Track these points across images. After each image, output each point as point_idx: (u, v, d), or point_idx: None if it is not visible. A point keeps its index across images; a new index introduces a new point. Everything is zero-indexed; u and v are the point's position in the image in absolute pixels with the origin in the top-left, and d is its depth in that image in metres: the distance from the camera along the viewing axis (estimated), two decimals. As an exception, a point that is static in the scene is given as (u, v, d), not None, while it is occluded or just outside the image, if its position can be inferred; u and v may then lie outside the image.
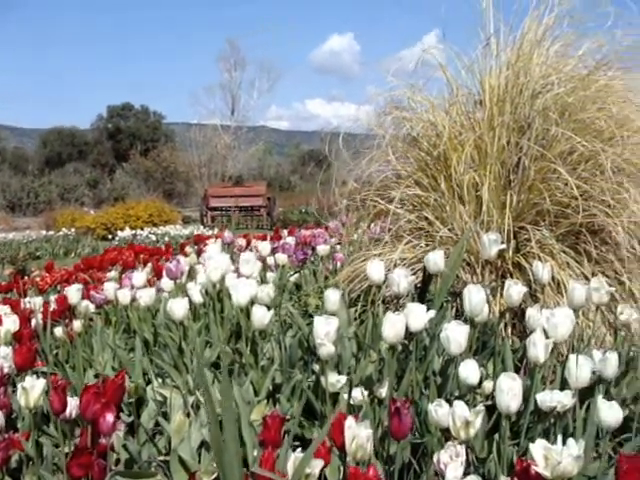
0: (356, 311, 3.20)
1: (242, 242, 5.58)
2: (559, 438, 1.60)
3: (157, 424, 2.51)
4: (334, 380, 2.38)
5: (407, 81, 3.77)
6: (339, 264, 4.46)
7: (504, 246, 2.77)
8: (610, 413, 1.95)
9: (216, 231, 14.10)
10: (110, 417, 1.96)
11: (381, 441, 2.09)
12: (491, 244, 2.67)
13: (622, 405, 2.36)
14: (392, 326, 2.20)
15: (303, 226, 9.59)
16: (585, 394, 2.19)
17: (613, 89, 3.38)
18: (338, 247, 4.87)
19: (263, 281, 3.85)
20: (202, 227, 20.39)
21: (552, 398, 2.05)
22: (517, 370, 2.45)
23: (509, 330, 3.03)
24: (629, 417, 2.28)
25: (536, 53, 3.54)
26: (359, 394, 2.25)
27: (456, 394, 2.33)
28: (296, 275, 4.56)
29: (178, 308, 2.91)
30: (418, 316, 2.30)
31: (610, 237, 3.07)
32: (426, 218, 3.46)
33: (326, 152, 3.95)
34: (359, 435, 1.72)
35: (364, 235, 3.92)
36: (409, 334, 2.28)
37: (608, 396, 2.25)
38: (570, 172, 3.10)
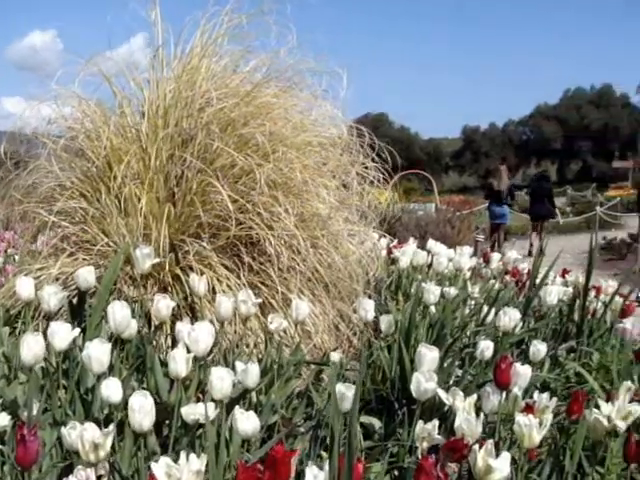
0: (15, 328, 3.01)
1: None
2: (183, 454, 1.61)
3: None
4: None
5: (88, 88, 3.64)
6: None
7: (158, 260, 2.77)
8: (248, 423, 2.01)
9: None
10: None
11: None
12: (144, 258, 2.65)
13: (272, 411, 2.47)
14: (30, 348, 2.09)
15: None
16: (231, 404, 2.24)
17: (274, 106, 3.53)
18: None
19: None
20: None
21: (195, 411, 2.07)
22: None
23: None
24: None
25: (204, 67, 3.58)
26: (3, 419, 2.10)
27: (106, 412, 2.27)
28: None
29: None
30: (62, 336, 2.21)
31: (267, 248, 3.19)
32: (92, 231, 3.36)
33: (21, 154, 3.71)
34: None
35: (26, 248, 3.71)
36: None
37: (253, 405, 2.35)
38: (231, 186, 3.18)
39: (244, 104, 3.43)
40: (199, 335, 2.18)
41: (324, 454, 2.31)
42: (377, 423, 2.61)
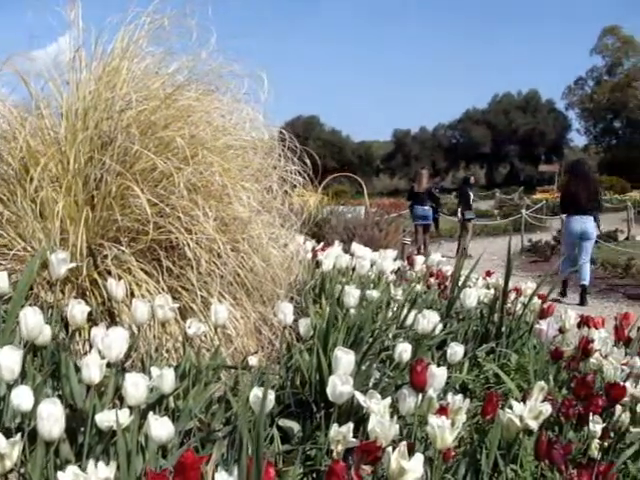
0: None
1: None
2: (92, 461, 1.59)
3: None
4: None
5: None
6: None
7: (75, 265, 2.72)
8: (162, 429, 1.99)
9: None
10: None
11: None
12: (59, 263, 2.60)
13: (190, 417, 2.46)
14: None
15: None
16: (148, 410, 2.22)
17: (195, 109, 3.52)
18: None
19: None
20: None
21: (109, 418, 2.04)
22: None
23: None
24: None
25: (125, 69, 3.54)
26: None
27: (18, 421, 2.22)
28: None
29: None
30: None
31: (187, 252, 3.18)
32: (8, 235, 3.28)
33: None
34: None
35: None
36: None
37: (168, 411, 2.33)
38: (151, 189, 3.15)
39: (165, 107, 3.41)
40: (112, 341, 2.15)
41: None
42: (296, 427, 2.62)
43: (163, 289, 3.06)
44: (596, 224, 9.53)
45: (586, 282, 9.44)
